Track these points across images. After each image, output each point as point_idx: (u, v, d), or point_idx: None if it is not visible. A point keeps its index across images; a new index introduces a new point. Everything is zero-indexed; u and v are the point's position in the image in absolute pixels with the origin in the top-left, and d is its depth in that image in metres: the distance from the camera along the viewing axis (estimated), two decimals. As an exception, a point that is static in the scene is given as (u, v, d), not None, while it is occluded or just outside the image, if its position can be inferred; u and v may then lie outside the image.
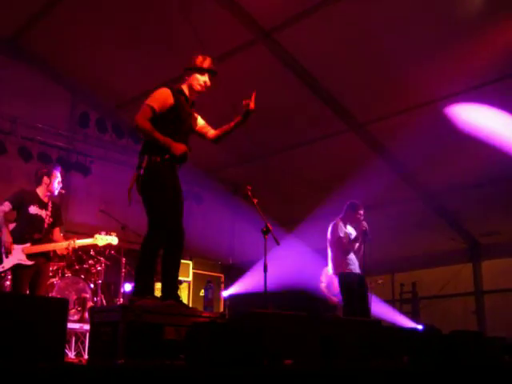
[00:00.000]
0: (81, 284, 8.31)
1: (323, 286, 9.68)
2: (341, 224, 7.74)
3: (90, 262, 8.54)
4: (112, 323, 4.49)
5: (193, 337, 3.80)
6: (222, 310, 10.69)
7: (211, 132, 5.55)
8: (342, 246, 7.58)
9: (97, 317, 4.95)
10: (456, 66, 8.16)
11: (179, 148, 4.94)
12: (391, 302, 11.97)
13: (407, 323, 10.31)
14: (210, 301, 9.97)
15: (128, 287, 8.63)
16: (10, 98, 10.20)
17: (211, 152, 11.88)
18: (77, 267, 8.48)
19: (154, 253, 5.09)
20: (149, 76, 10.06)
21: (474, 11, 7.46)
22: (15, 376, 2.69)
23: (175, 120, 5.02)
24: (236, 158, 11.82)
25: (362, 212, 7.74)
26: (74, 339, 7.90)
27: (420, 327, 7.76)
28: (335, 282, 9.40)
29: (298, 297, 9.94)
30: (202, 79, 5.21)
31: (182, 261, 10.73)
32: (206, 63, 5.27)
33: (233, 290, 10.58)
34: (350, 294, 7.53)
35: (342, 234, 7.64)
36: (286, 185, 11.73)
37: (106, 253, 8.70)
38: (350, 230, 7.78)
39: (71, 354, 7.74)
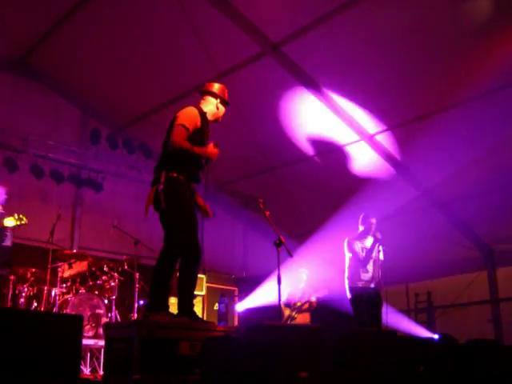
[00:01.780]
0: (95, 300, 8.32)
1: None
2: (353, 239, 7.73)
3: (103, 277, 8.55)
4: (127, 339, 4.49)
5: (207, 351, 3.79)
6: (236, 323, 10.66)
7: None
8: (357, 261, 7.58)
9: (111, 333, 4.95)
10: (464, 74, 8.14)
11: (214, 152, 5.15)
12: (406, 311, 11.89)
13: (423, 333, 10.22)
14: (224, 314, 9.98)
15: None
16: (21, 117, 10.29)
17: (222, 165, 11.94)
18: (91, 283, 8.49)
19: (170, 268, 5.08)
20: (158, 92, 10.15)
21: (480, 18, 7.47)
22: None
23: (200, 143, 5.12)
24: (247, 171, 11.83)
25: (373, 221, 7.72)
26: (88, 355, 7.89)
27: (436, 337, 7.70)
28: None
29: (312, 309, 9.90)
30: (223, 111, 5.38)
31: (196, 275, 10.81)
32: (227, 95, 5.42)
33: (247, 302, 10.54)
34: (358, 308, 7.53)
35: (356, 249, 7.65)
36: (298, 196, 11.71)
37: (120, 269, 8.71)
38: (367, 243, 7.74)
39: (86, 371, 7.73)
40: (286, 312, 9.65)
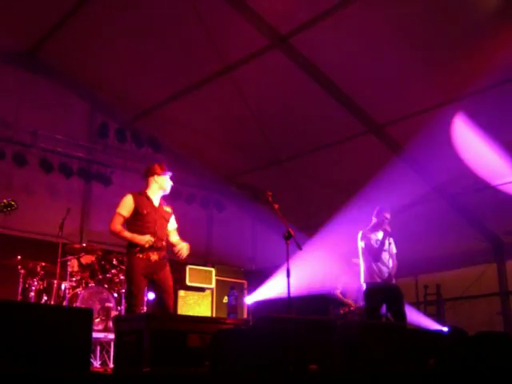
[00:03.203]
0: (104, 293, 8.35)
1: (338, 292, 9.77)
2: (367, 232, 7.67)
3: (113, 271, 8.58)
4: (136, 332, 4.50)
5: (217, 344, 3.79)
6: (245, 316, 10.68)
7: (171, 238, 6.24)
8: (371, 254, 7.51)
9: (121, 326, 4.97)
10: (474, 66, 8.08)
11: (144, 241, 5.81)
12: (415, 304, 11.86)
13: (432, 325, 10.20)
14: (233, 307, 9.98)
15: (151, 295, 8.66)
16: (29, 111, 10.32)
17: (230, 158, 11.98)
18: (100, 277, 8.52)
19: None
20: (166, 85, 10.14)
21: (490, 10, 7.42)
22: (42, 386, 2.71)
23: (141, 225, 5.91)
24: (255, 163, 11.83)
25: (387, 215, 7.64)
26: (98, 348, 7.93)
27: (445, 329, 7.67)
28: (350, 288, 9.49)
29: (322, 302, 9.91)
30: (163, 180, 6.14)
31: (205, 268, 10.85)
32: (162, 167, 6.20)
33: (256, 295, 10.56)
34: (372, 307, 7.47)
35: (370, 242, 7.58)
36: (306, 189, 11.70)
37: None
38: (380, 236, 7.67)
39: (96, 364, 7.76)
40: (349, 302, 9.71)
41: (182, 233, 7.66)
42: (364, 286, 7.56)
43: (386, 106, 9.45)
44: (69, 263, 8.46)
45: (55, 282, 8.13)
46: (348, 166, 10.79)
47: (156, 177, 6.09)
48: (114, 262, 8.62)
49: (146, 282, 5.90)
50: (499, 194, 10.09)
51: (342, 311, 9.80)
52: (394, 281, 7.57)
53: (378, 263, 7.48)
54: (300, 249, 6.27)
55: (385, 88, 9.05)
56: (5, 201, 6.34)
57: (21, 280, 8.07)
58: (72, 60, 10.32)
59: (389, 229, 7.49)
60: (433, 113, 9.09)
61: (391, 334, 5.46)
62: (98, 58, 9.90)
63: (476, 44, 7.93)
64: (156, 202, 6.09)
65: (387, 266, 7.47)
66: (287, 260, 6.09)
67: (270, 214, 8.49)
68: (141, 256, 5.80)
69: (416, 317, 10.24)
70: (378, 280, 7.43)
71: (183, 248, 6.10)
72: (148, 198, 6.04)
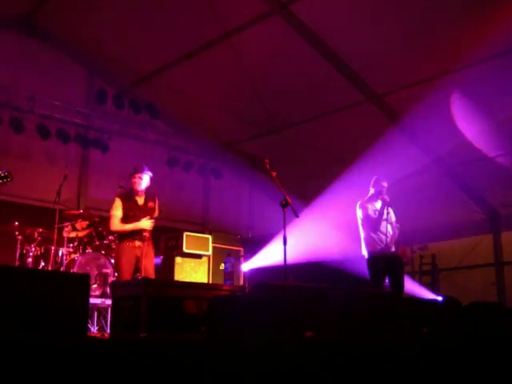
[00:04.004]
0: (101, 259, 8.39)
1: None
2: (365, 202, 7.67)
3: (110, 237, 8.60)
4: (133, 297, 4.54)
5: (213, 310, 3.82)
6: (242, 283, 10.75)
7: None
8: (370, 224, 7.53)
9: (118, 291, 5.01)
10: (474, 36, 8.00)
11: (145, 224, 6.77)
12: (411, 273, 11.94)
13: (427, 295, 10.29)
14: (229, 274, 10.05)
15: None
16: (26, 77, 10.23)
17: (228, 125, 11.94)
18: (97, 243, 8.55)
19: None
20: (164, 51, 10.06)
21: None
22: (40, 349, 2.73)
23: (133, 216, 6.81)
24: (253, 131, 11.79)
25: (384, 184, 7.65)
26: (96, 314, 7.99)
27: (440, 299, 7.74)
28: None
29: (317, 269, 9.96)
30: (136, 180, 6.95)
31: (202, 235, 10.88)
32: (135, 168, 7.05)
33: (252, 263, 10.61)
34: (376, 276, 7.49)
35: (368, 212, 7.59)
36: (304, 157, 11.68)
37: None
38: (378, 206, 7.68)
39: (94, 329, 7.83)
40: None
41: (179, 200, 7.70)
42: (366, 255, 7.60)
43: (385, 75, 9.39)
44: (66, 229, 8.48)
45: (52, 248, 8.16)
46: (346, 135, 10.76)
47: (133, 178, 6.95)
48: (112, 228, 8.63)
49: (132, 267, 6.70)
50: (496, 166, 10.10)
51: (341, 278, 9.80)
52: (393, 249, 7.61)
53: (378, 232, 7.51)
54: (297, 216, 6.29)
55: (384, 57, 8.98)
56: (0, 172, 6.36)
57: (18, 246, 8.10)
58: (70, 25, 10.20)
59: (387, 198, 7.49)
60: (432, 83, 9.02)
61: (386, 302, 5.50)
62: (97, 23, 9.79)
63: (476, 14, 7.85)
64: (140, 201, 6.96)
65: (386, 235, 7.50)
66: (284, 228, 6.12)
67: (267, 181, 8.48)
68: (128, 244, 6.72)
69: (411, 286, 10.32)
70: (378, 248, 7.48)
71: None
72: (132, 200, 6.93)
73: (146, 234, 6.78)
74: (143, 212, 6.85)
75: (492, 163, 10.14)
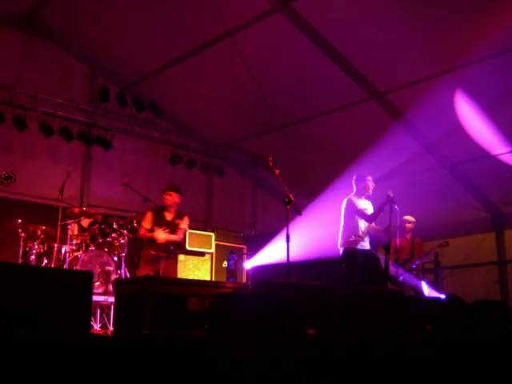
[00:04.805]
0: (104, 257, 8.39)
1: None
2: (355, 199, 7.66)
3: (113, 235, 8.60)
4: (136, 295, 4.54)
5: (216, 307, 3.82)
6: (244, 280, 10.76)
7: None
8: (365, 217, 7.51)
9: (121, 289, 5.01)
10: (475, 34, 7.98)
11: (159, 237, 7.30)
12: (413, 271, 11.91)
13: (430, 293, 10.27)
14: (232, 272, 10.06)
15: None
16: (29, 75, 10.24)
17: (231, 124, 11.94)
18: (100, 240, 8.54)
19: None
20: (167, 49, 10.06)
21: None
22: (43, 346, 2.73)
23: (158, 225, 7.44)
24: (256, 129, 11.79)
25: (370, 178, 7.66)
26: (98, 311, 7.99)
27: (442, 297, 7.72)
28: None
29: (320, 267, 9.95)
30: (166, 197, 7.62)
31: (205, 232, 10.90)
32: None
33: (255, 260, 10.62)
34: (351, 271, 7.44)
35: (361, 207, 7.57)
36: (307, 155, 11.68)
37: (129, 226, 8.75)
38: (365, 205, 7.68)
39: (96, 326, 7.83)
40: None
41: (182, 197, 7.69)
42: (341, 250, 7.58)
43: (387, 73, 9.37)
44: (69, 227, 8.49)
45: (55, 245, 8.17)
46: (349, 132, 10.74)
47: (164, 194, 7.59)
48: (114, 225, 8.63)
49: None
50: (499, 164, 10.08)
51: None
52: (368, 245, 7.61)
53: (360, 231, 7.51)
54: (299, 214, 6.29)
55: (387, 55, 8.96)
56: (4, 173, 6.44)
57: (21, 243, 8.12)
58: (72, 22, 10.21)
59: (391, 194, 7.43)
60: (435, 80, 9.02)
61: (389, 300, 5.50)
62: (99, 21, 9.80)
63: (478, 13, 7.83)
64: (169, 216, 7.53)
65: (367, 230, 7.52)
66: (287, 225, 6.11)
67: (270, 179, 8.48)
68: (146, 252, 7.35)
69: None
70: (353, 247, 7.46)
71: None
72: (161, 215, 7.52)
73: (163, 247, 7.26)
74: (169, 227, 7.41)
75: (495, 161, 10.11)
